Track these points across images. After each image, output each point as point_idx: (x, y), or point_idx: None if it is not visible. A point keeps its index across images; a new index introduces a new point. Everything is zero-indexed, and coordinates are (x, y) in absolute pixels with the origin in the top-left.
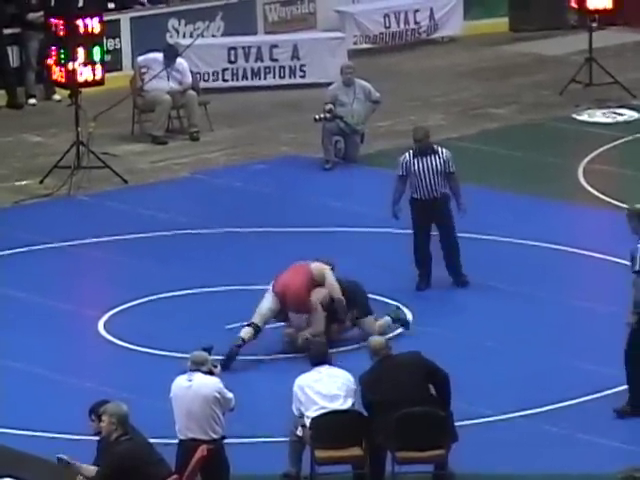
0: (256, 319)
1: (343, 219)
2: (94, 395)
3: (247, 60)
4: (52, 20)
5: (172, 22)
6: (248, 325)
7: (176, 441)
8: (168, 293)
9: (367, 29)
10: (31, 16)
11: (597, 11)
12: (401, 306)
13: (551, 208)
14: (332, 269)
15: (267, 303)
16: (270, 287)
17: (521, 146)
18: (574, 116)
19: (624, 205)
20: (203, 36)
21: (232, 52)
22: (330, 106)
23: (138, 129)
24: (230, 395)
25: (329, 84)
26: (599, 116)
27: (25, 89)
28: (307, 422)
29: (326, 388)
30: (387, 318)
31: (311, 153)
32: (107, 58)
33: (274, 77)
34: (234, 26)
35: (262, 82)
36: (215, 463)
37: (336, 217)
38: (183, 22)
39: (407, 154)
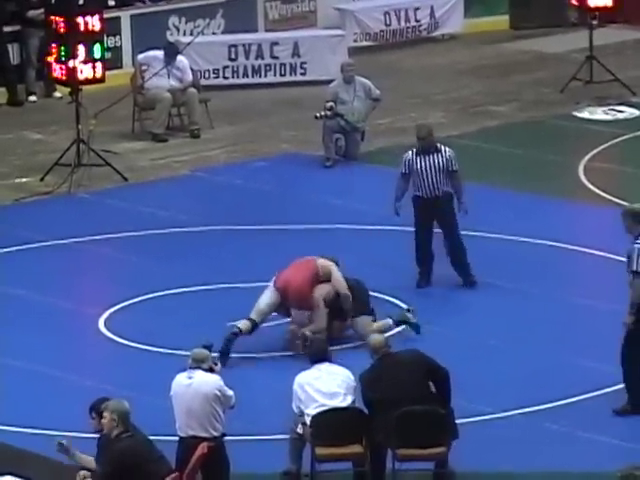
0: (253, 315)
1: (344, 217)
2: (94, 393)
3: (248, 58)
4: (52, 17)
5: (172, 19)
6: (247, 318)
7: (176, 439)
8: (168, 291)
9: (367, 27)
10: (31, 13)
11: (597, 9)
12: (412, 310)
13: (552, 206)
14: (337, 265)
15: (266, 298)
16: (272, 282)
17: (521, 144)
18: (575, 114)
19: (625, 203)
20: (204, 34)
21: (233, 49)
22: (331, 104)
23: (138, 127)
24: (230, 393)
25: (330, 82)
26: (600, 114)
27: (25, 86)
28: (307, 420)
29: (326, 386)
30: (388, 320)
31: (312, 151)
32: (107, 56)
33: (275, 75)
34: (235, 23)
35: (263, 80)
36: (215, 460)
37: (337, 215)
38: (184, 19)
39: (410, 152)
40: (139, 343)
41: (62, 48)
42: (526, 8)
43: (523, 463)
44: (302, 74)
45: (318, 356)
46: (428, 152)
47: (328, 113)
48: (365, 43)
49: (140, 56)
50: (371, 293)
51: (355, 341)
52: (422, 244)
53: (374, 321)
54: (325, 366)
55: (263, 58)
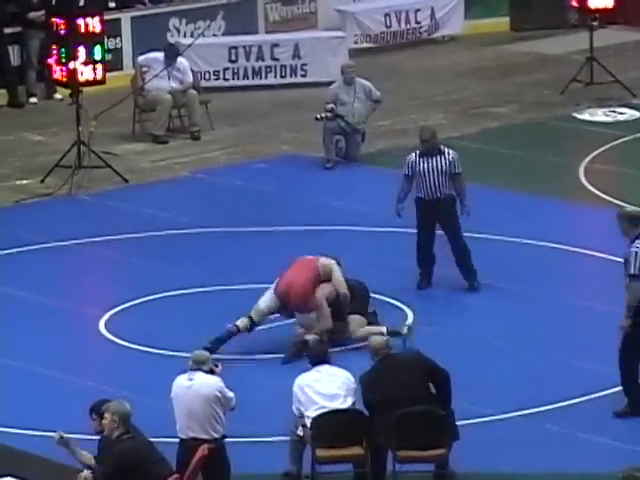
0: (253, 313)
1: (344, 218)
2: (95, 394)
3: (248, 59)
4: (53, 19)
5: (173, 21)
6: (246, 316)
7: (177, 440)
8: (169, 292)
9: (368, 28)
10: (32, 15)
11: (598, 10)
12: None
13: (552, 207)
14: (338, 264)
15: (266, 300)
16: (273, 285)
17: (522, 145)
18: (575, 115)
19: (625, 204)
20: (204, 35)
21: (233, 51)
22: (331, 105)
23: (139, 128)
24: (231, 394)
25: (330, 83)
26: (600, 115)
27: (26, 88)
28: (307, 422)
29: (326, 387)
30: (382, 328)
31: (312, 152)
32: (108, 57)
33: (275, 76)
34: (235, 25)
35: (263, 81)
36: (216, 462)
37: (337, 216)
38: (184, 21)
39: (413, 154)
40: (139, 345)
41: (62, 50)
42: (526, 10)
43: (523, 464)
44: (302, 76)
45: (318, 358)
46: (431, 154)
47: (328, 115)
48: (365, 45)
49: (140, 58)
50: (372, 295)
51: (355, 343)
52: (423, 246)
53: (370, 324)
54: (325, 368)
55: (263, 60)
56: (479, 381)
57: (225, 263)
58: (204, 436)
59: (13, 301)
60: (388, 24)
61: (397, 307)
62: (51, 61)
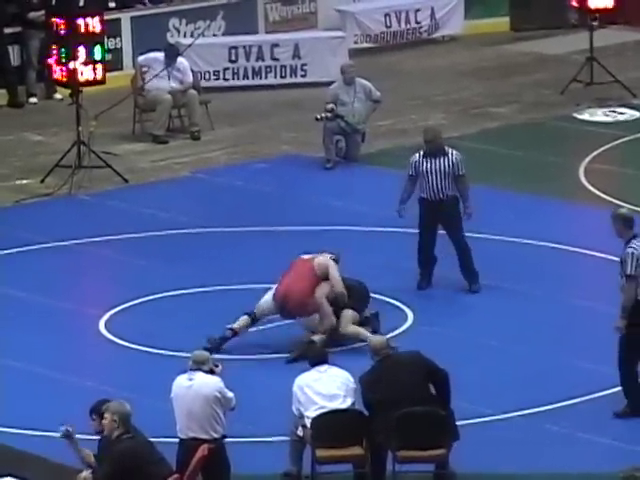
0: (255, 310)
1: (344, 218)
2: (95, 394)
3: (248, 59)
4: (53, 19)
5: (173, 21)
6: (246, 313)
7: (177, 440)
8: (169, 292)
9: (368, 28)
10: (32, 15)
11: (598, 10)
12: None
13: (552, 207)
14: (337, 260)
15: (266, 303)
16: (273, 289)
17: (522, 145)
18: (575, 115)
19: (625, 204)
20: (204, 35)
21: (233, 51)
22: (331, 105)
23: (139, 128)
24: (231, 394)
25: (330, 83)
26: (600, 115)
27: (26, 88)
28: (307, 422)
29: (325, 388)
30: (368, 334)
31: (312, 152)
32: (108, 57)
33: (275, 76)
34: (235, 25)
35: (263, 81)
36: (216, 462)
37: (337, 216)
38: (184, 21)
39: (417, 154)
40: (139, 345)
41: (63, 50)
42: (526, 10)
43: (524, 464)
44: (302, 76)
45: (317, 359)
46: (435, 155)
47: (328, 115)
48: (365, 45)
49: (140, 58)
50: (372, 295)
51: (354, 343)
52: (425, 246)
53: (361, 324)
54: (325, 368)
55: (263, 60)
56: (479, 381)
57: (225, 263)
58: (204, 436)
59: (13, 301)
60: (388, 24)
61: (397, 307)
62: (51, 61)
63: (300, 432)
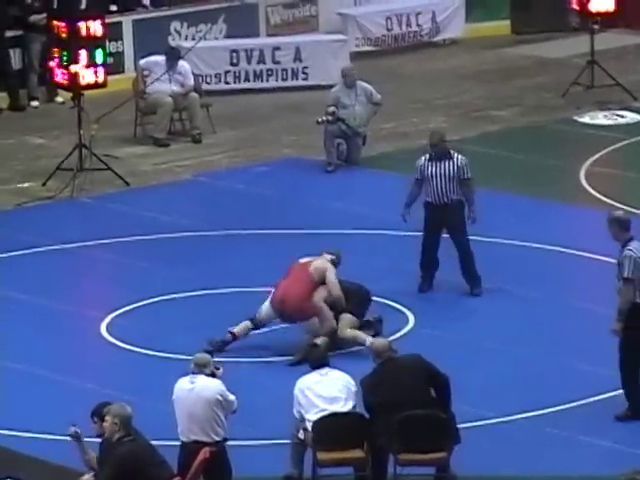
0: (256, 316)
1: (345, 221)
2: (96, 397)
3: (249, 62)
4: (54, 22)
5: (174, 25)
6: (249, 319)
7: (178, 443)
8: (170, 295)
9: (369, 32)
10: (33, 18)
11: (599, 13)
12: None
13: (553, 210)
14: (337, 261)
15: (265, 309)
16: (271, 295)
17: (523, 148)
18: (576, 118)
19: (626, 207)
20: (205, 39)
21: (234, 54)
22: (332, 108)
23: (140, 131)
24: (232, 397)
25: (331, 86)
26: (601, 118)
27: (27, 91)
28: (308, 425)
29: (327, 390)
30: (369, 338)
31: (313, 155)
32: (109, 60)
33: (276, 79)
34: (236, 28)
35: (264, 84)
36: (217, 465)
37: (338, 219)
38: (185, 25)
39: (423, 157)
40: (141, 347)
41: (64, 53)
42: (527, 13)
43: (524, 467)
44: (304, 79)
45: (318, 362)
46: (440, 159)
47: (330, 118)
48: (367, 48)
49: (142, 61)
50: (373, 298)
51: (354, 346)
52: (428, 249)
53: (362, 328)
54: (326, 371)
55: (265, 63)
56: (480, 384)
57: (226, 266)
58: (205, 439)
59: (14, 303)
60: (389, 27)
61: (398, 310)
62: (53, 64)
63: (301, 435)
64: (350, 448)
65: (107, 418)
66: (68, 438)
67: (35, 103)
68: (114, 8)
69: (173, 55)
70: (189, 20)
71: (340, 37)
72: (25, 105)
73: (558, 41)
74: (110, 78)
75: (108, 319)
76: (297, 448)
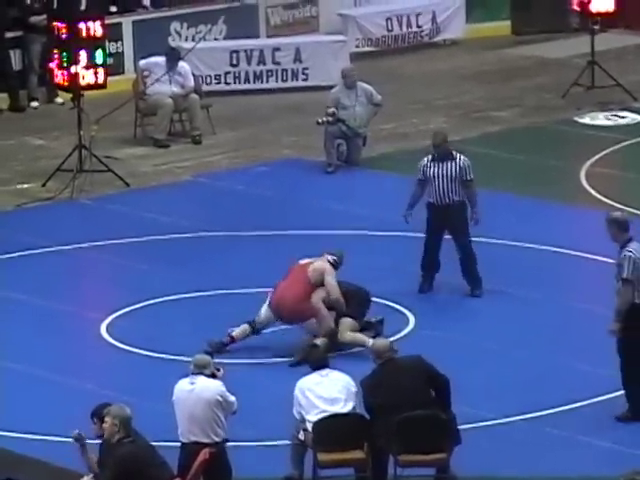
0: (255, 319)
1: (345, 222)
2: (95, 398)
3: (249, 63)
4: (54, 23)
5: (174, 25)
6: (248, 322)
7: (178, 444)
8: (170, 296)
9: (369, 32)
10: (34, 19)
11: (599, 14)
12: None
13: (553, 210)
14: (339, 262)
15: (264, 312)
16: (269, 297)
17: (523, 149)
18: (576, 119)
19: (626, 208)
20: (205, 39)
21: (234, 55)
22: (332, 109)
23: (140, 132)
24: (232, 398)
25: (331, 87)
26: (601, 119)
27: (27, 92)
28: (308, 426)
29: (327, 391)
30: (369, 340)
31: (313, 156)
32: (109, 61)
33: (276, 80)
34: (236, 29)
35: (264, 85)
36: (217, 466)
37: (338, 220)
38: (185, 25)
39: (426, 158)
40: (141, 349)
41: (64, 54)
42: (528, 13)
43: (524, 468)
44: (304, 80)
45: (318, 363)
46: (443, 159)
47: (330, 119)
48: (367, 49)
49: (142, 62)
50: (373, 299)
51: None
52: (430, 250)
53: (361, 330)
54: (326, 372)
55: (265, 64)
56: (480, 385)
57: (226, 267)
58: (205, 440)
59: (14, 304)
60: (389, 28)
61: (398, 311)
62: (52, 65)
63: (301, 436)
64: (350, 449)
65: (107, 419)
66: (69, 440)
67: (35, 104)
68: (114, 9)
69: (173, 56)
70: (189, 21)
71: (340, 38)
72: (25, 106)
73: (558, 42)
74: (110, 79)
75: (108, 320)
76: (297, 449)
